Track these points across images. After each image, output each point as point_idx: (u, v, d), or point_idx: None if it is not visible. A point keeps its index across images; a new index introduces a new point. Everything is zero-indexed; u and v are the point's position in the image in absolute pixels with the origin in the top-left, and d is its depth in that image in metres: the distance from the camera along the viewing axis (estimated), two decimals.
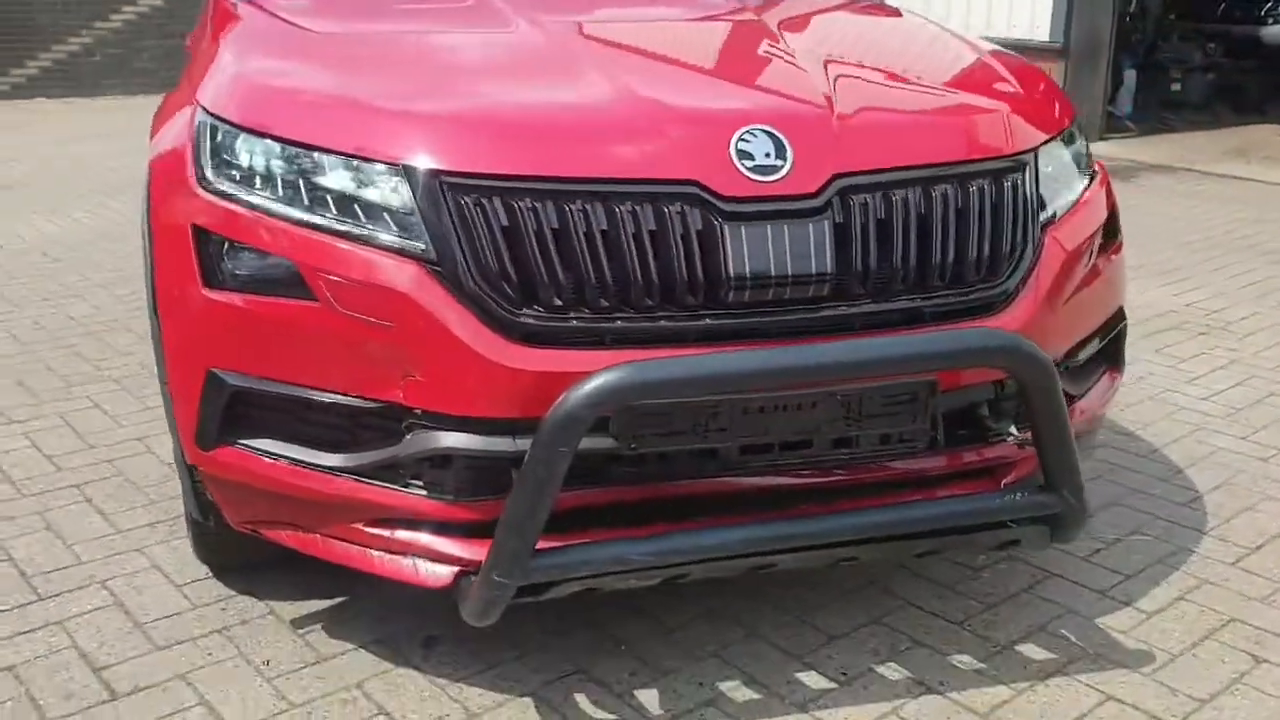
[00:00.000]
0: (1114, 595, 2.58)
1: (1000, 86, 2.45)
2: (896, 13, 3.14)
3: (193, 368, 2.10)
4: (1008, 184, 2.16)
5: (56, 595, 2.54)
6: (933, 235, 2.07)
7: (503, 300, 1.94)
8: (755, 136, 2.02)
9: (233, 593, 2.54)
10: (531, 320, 1.95)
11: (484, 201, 1.94)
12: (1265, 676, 2.30)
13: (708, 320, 1.98)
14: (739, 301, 1.99)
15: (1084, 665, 2.33)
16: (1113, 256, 2.49)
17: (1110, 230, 2.52)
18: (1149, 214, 6.33)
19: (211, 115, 2.17)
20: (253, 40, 2.49)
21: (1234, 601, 2.56)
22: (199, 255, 2.08)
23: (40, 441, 3.31)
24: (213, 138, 2.15)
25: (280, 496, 2.12)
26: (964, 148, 2.16)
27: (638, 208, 1.96)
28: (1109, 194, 2.54)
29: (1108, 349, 2.51)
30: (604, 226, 1.95)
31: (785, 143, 2.03)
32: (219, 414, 2.09)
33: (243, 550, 2.44)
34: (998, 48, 2.82)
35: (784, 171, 2.01)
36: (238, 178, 2.08)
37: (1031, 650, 2.38)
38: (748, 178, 1.99)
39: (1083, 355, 2.41)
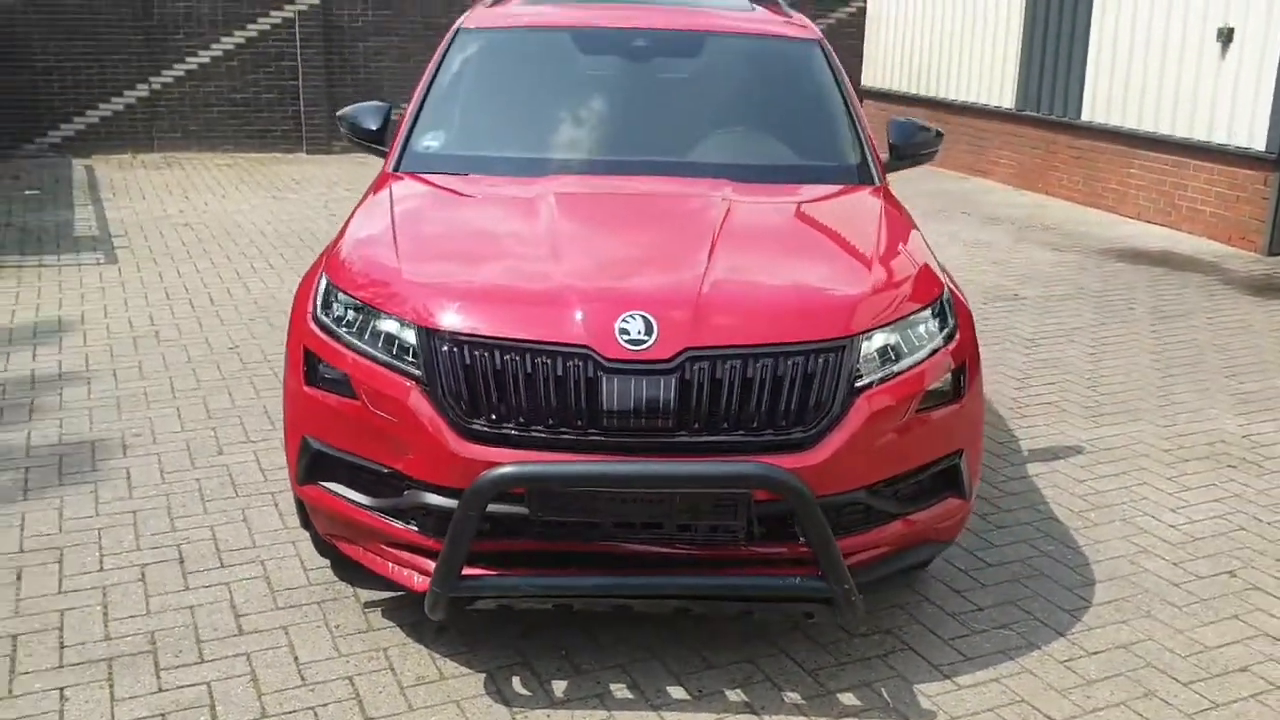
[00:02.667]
0: (944, 670, 3.35)
1: (858, 279, 3.32)
2: (881, 194, 3.99)
3: (296, 433, 3.36)
4: (821, 359, 3.05)
5: (231, 565, 3.88)
6: (753, 392, 3.00)
7: (461, 413, 3.05)
8: (634, 319, 3.03)
9: (335, 580, 3.79)
10: (479, 427, 3.04)
11: (453, 349, 3.06)
12: None
13: (592, 438, 3.01)
14: (612, 427, 3.00)
15: (877, 714, 3.14)
16: (950, 409, 3.27)
17: (955, 389, 3.30)
18: None
19: (327, 274, 3.44)
20: (363, 220, 3.74)
21: (1035, 688, 3.26)
22: (305, 364, 3.33)
23: (262, 458, 4.74)
24: (326, 291, 3.40)
25: (340, 519, 3.33)
26: (790, 333, 3.05)
27: (549, 361, 3.01)
28: (958, 358, 3.31)
29: (942, 480, 3.30)
30: (527, 371, 3.02)
31: (654, 324, 3.03)
32: (307, 465, 3.33)
33: (331, 552, 3.67)
34: (909, 232, 3.67)
35: (649, 344, 3.01)
36: (330, 319, 3.32)
37: (847, 698, 3.21)
38: (623, 347, 3.00)
39: (908, 484, 3.22)
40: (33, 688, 3.17)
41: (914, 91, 13.12)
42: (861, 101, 13.92)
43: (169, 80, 12.37)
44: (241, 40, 12.45)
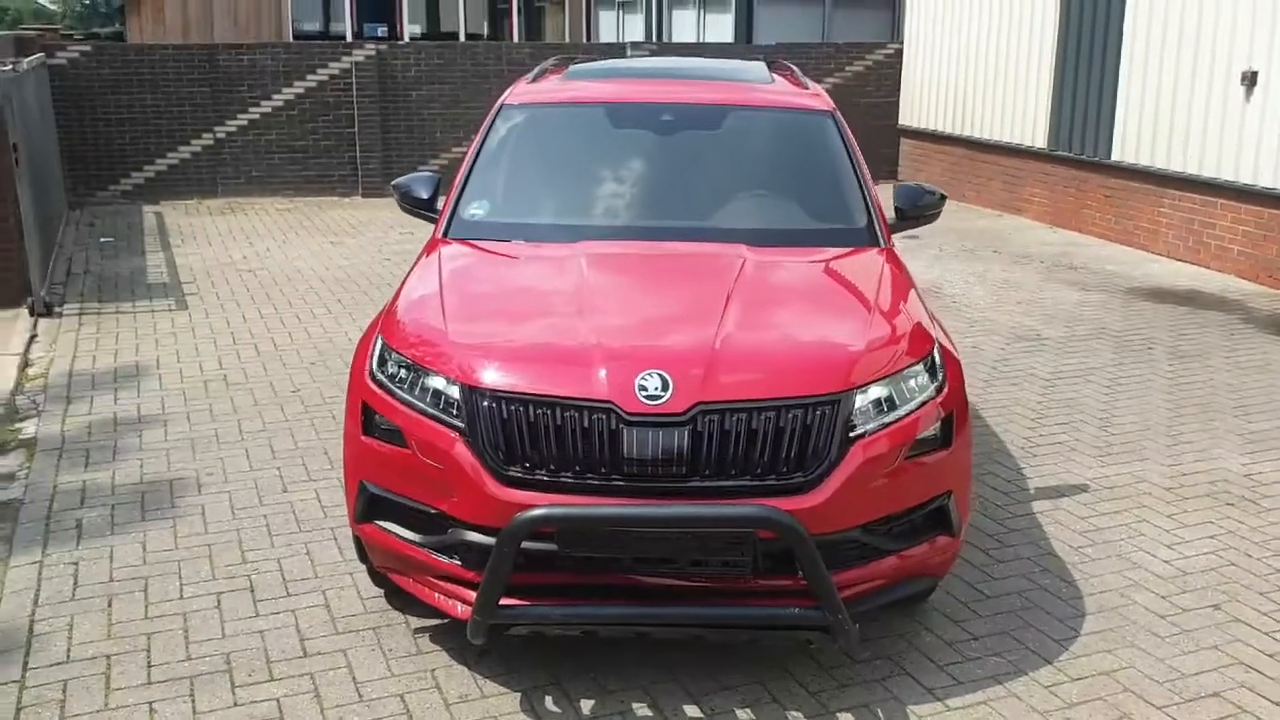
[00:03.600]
0: (937, 694, 3.67)
1: (855, 337, 3.69)
2: (885, 255, 4.37)
3: (355, 477, 3.78)
4: (820, 412, 3.41)
5: (296, 594, 4.31)
6: (758, 441, 3.37)
7: (499, 460, 3.45)
8: (652, 376, 3.42)
9: (389, 608, 4.19)
10: (515, 474, 3.44)
11: (492, 403, 3.47)
12: None
13: (615, 483, 3.39)
14: (633, 473, 3.38)
15: None
16: (940, 455, 3.62)
17: (945, 436, 3.65)
18: None
19: (383, 335, 3.86)
20: (415, 283, 4.17)
21: (1019, 711, 3.58)
22: (362, 416, 3.75)
23: (322, 496, 5.17)
24: (382, 350, 3.83)
25: (393, 554, 3.74)
26: (791, 389, 3.42)
27: (577, 414, 3.41)
28: (947, 408, 3.65)
29: (933, 519, 3.64)
30: (558, 424, 3.42)
31: (670, 381, 3.41)
32: (365, 506, 3.74)
33: (385, 583, 4.09)
34: (907, 292, 4.04)
35: (665, 399, 3.39)
36: (385, 375, 3.74)
37: (846, 718, 3.55)
38: (642, 402, 3.39)
39: (900, 523, 3.57)
40: (126, 702, 3.60)
41: (949, 131, 13.44)
42: (899, 140, 14.31)
43: (232, 129, 13.02)
44: (301, 90, 13.08)
